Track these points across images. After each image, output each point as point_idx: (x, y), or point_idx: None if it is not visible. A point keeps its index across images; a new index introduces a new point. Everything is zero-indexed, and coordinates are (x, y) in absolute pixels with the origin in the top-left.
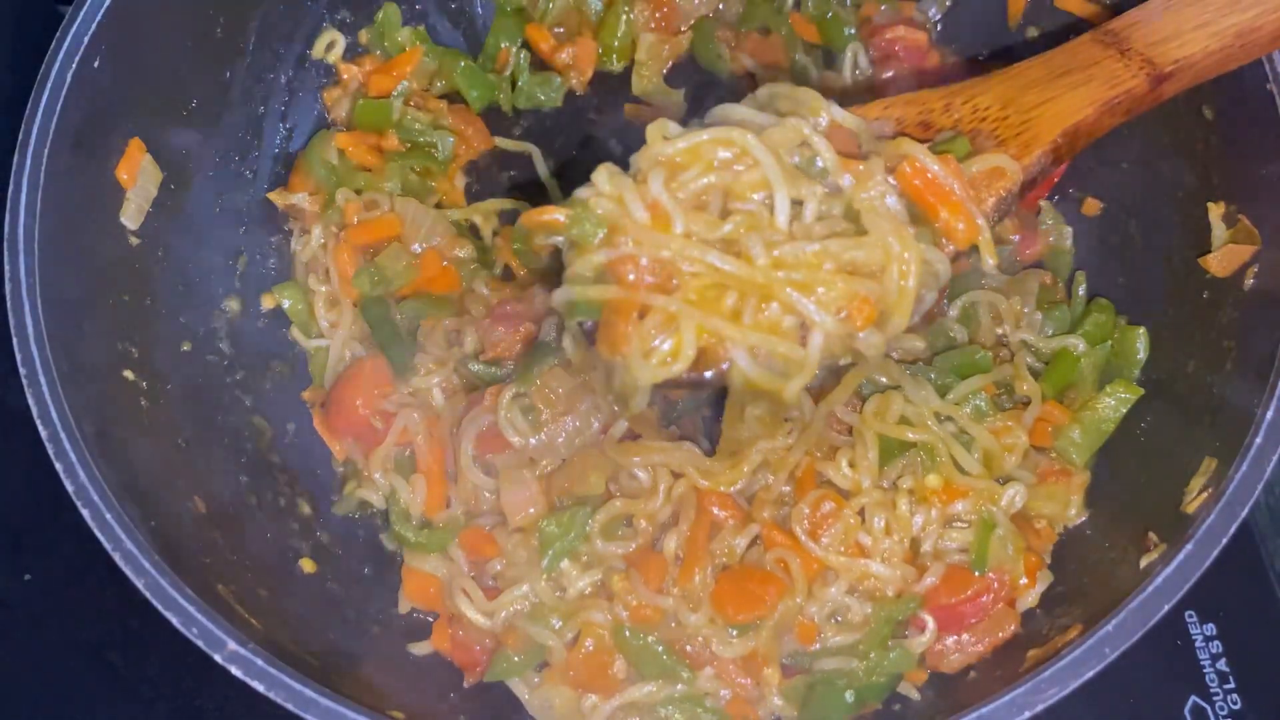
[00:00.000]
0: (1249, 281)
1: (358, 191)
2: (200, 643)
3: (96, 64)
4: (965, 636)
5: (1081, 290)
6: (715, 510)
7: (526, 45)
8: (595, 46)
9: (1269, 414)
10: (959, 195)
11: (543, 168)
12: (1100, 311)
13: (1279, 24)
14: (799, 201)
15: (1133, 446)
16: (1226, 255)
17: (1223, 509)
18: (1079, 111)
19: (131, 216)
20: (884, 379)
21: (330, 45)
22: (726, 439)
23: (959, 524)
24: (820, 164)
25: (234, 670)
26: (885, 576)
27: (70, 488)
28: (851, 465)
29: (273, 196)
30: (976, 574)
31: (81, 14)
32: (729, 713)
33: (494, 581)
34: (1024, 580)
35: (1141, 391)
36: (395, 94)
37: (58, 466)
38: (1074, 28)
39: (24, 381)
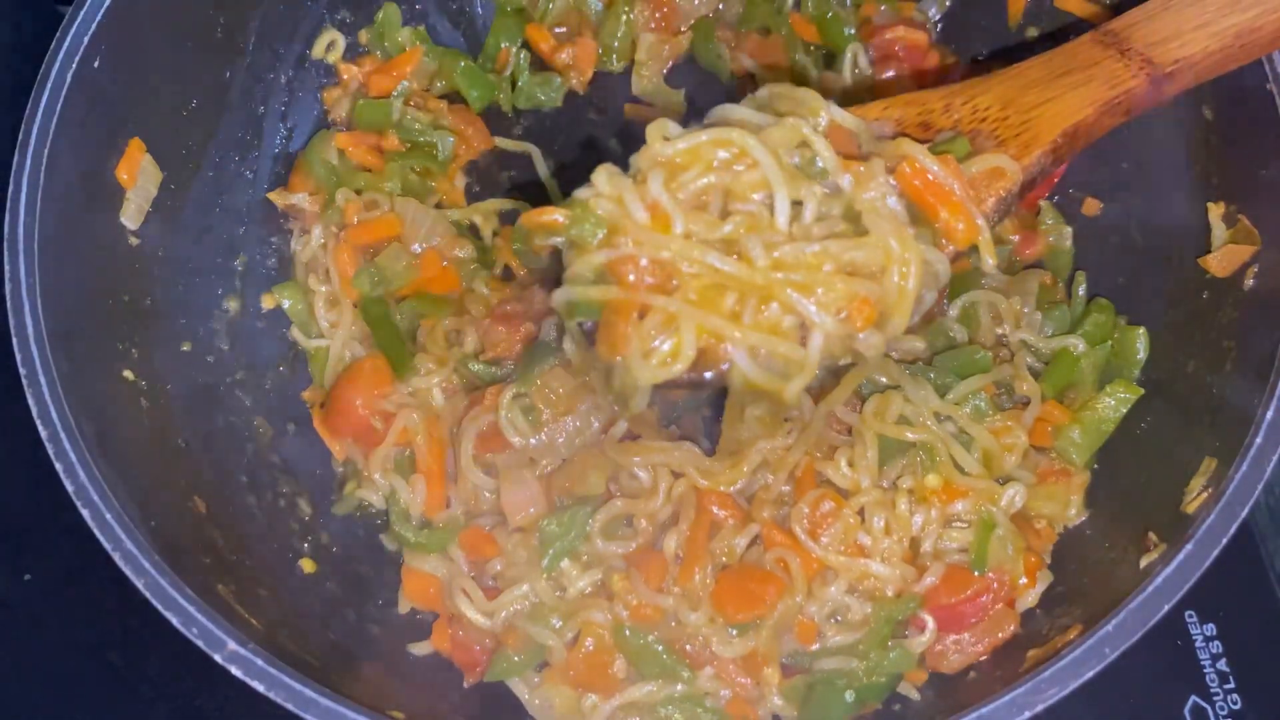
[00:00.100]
0: (1249, 281)
1: (358, 191)
2: (200, 643)
3: (96, 64)
4: (965, 636)
5: (1081, 290)
6: (715, 510)
7: (526, 45)
8: (595, 46)
9: (1269, 414)
10: (959, 196)
11: (543, 168)
12: (1100, 311)
13: (1279, 24)
14: (798, 202)
15: (1133, 446)
16: (1226, 255)
17: (1223, 509)
18: (1079, 112)
19: (131, 216)
20: (884, 379)
21: (330, 45)
22: (726, 439)
23: (959, 524)
24: (820, 164)
25: (234, 670)
26: (885, 576)
27: (70, 488)
28: (851, 465)
29: (273, 196)
30: (976, 574)
31: (81, 14)
32: (729, 712)
33: (494, 581)
34: (1024, 580)
35: (1141, 391)
36: (395, 94)
37: (58, 466)
38: (1074, 28)
39: (24, 381)
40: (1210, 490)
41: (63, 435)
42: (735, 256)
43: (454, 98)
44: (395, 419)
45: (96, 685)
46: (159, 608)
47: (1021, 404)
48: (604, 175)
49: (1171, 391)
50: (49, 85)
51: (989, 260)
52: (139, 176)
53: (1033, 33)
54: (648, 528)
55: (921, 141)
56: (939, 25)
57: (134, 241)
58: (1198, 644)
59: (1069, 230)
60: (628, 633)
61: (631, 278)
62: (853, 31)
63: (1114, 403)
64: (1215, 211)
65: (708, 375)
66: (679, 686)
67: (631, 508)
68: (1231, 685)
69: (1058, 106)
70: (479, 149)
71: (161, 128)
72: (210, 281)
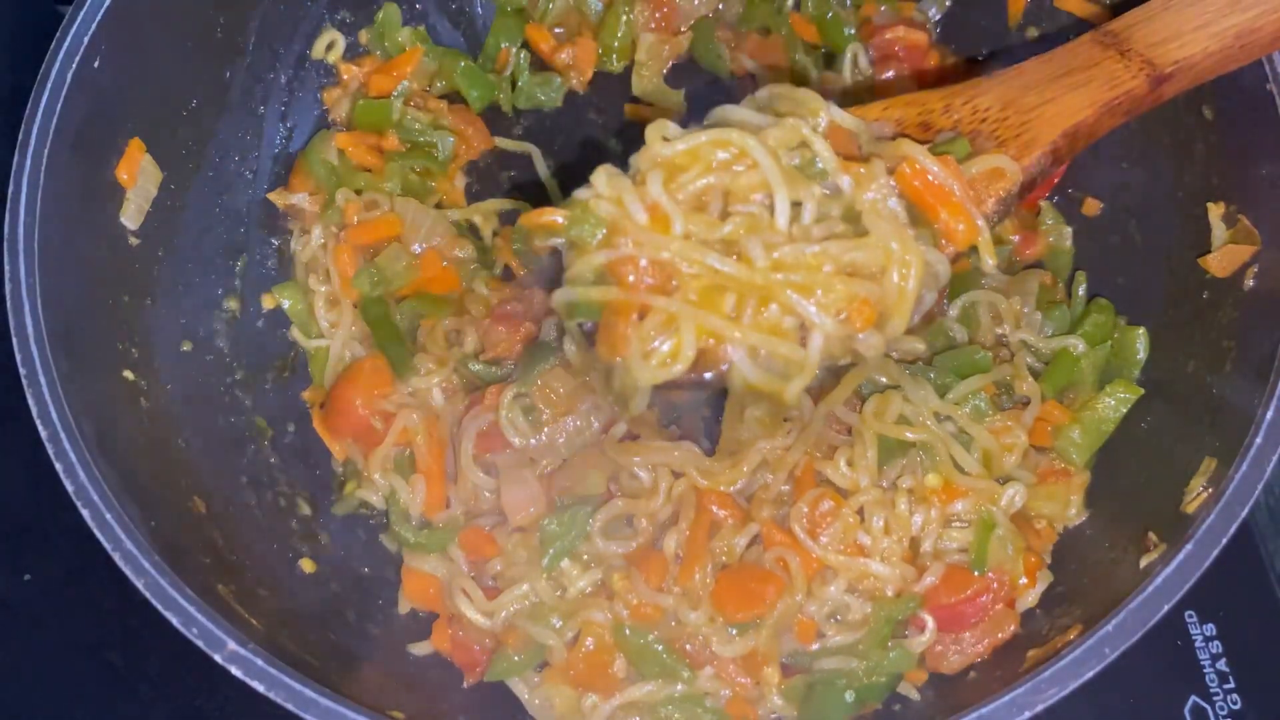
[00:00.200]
0: (1249, 281)
1: (358, 191)
2: (200, 643)
3: (96, 64)
4: (965, 636)
5: (1081, 290)
6: (715, 509)
7: (526, 45)
8: (595, 47)
9: (1269, 414)
10: (959, 196)
11: (543, 168)
12: (1100, 311)
13: (1279, 24)
14: (798, 203)
15: (1133, 446)
16: (1226, 255)
17: (1223, 509)
18: (1079, 112)
19: (131, 216)
20: (883, 379)
21: (330, 45)
22: (726, 439)
23: (958, 524)
24: (820, 165)
25: (234, 670)
26: (884, 575)
27: (70, 488)
28: (850, 465)
29: (273, 196)
30: (976, 574)
31: (81, 14)
32: (729, 712)
33: (494, 581)
34: (1024, 580)
35: (1141, 391)
36: (395, 94)
37: (58, 466)
38: (1074, 28)
39: (24, 381)
40: (1210, 490)
41: (63, 435)
42: (735, 257)
43: (454, 98)
44: (395, 419)
45: (96, 685)
46: (159, 608)
47: (1021, 404)
48: (603, 176)
49: (1171, 391)
50: (49, 85)
51: (989, 260)
52: (139, 176)
53: (1033, 33)
54: (648, 527)
55: (921, 142)
56: (939, 25)
57: (134, 241)
58: (1198, 644)
59: (1069, 230)
60: (628, 632)
61: (631, 278)
62: (853, 31)
63: (1114, 403)
64: (1215, 211)
65: (708, 376)
66: (679, 686)
67: (631, 507)
68: (1231, 685)
69: (1058, 107)
70: (479, 149)
71: (161, 128)
72: (210, 282)
